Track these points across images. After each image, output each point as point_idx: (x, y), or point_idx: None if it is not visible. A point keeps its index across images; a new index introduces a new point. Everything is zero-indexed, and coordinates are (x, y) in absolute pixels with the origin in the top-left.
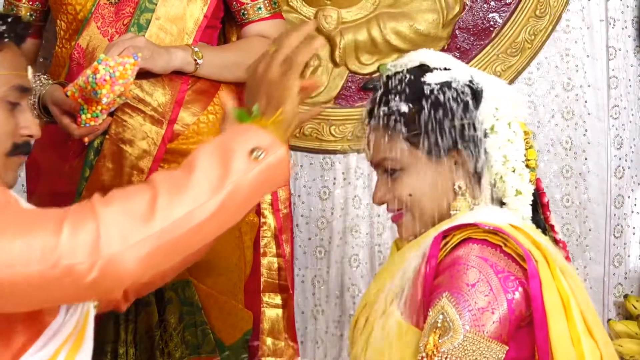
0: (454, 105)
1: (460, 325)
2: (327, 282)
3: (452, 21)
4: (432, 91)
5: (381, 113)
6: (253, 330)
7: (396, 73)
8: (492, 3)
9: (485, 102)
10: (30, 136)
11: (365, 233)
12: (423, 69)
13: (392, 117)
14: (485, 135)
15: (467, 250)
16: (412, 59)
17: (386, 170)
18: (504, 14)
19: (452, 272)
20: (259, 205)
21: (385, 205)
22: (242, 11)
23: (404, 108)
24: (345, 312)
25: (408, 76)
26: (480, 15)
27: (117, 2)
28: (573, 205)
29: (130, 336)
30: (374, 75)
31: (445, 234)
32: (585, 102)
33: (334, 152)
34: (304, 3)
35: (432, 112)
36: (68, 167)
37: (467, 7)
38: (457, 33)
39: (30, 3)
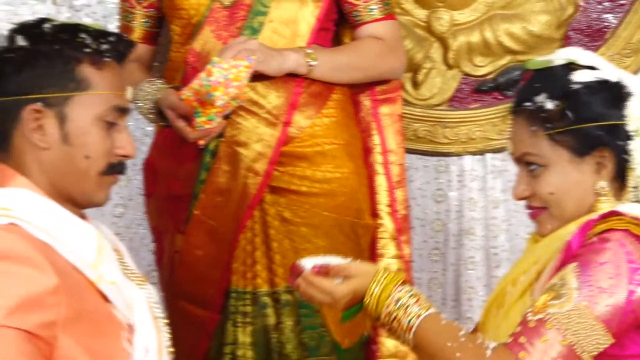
0: (600, 105)
1: (575, 295)
2: (443, 285)
3: (565, 22)
4: (579, 90)
5: (526, 108)
6: (371, 333)
7: (544, 69)
8: (606, 4)
9: (632, 104)
10: (126, 156)
11: (480, 235)
12: (571, 66)
13: (537, 113)
14: (630, 137)
15: (608, 234)
16: (560, 56)
17: (527, 165)
18: (618, 15)
19: (588, 248)
20: (375, 206)
21: (501, 209)
22: (355, 13)
23: (550, 105)
24: (462, 315)
25: (555, 73)
26: (594, 16)
27: (230, 6)
28: None
29: (248, 338)
30: (488, 77)
31: (588, 225)
32: None
33: (448, 154)
34: (416, 5)
35: (578, 110)
36: (184, 170)
37: (580, 8)
38: (571, 34)
39: (145, 10)
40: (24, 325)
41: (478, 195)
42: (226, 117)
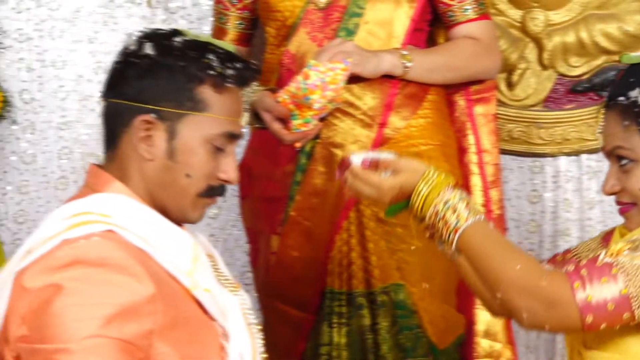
0: None
1: None
2: None
3: None
4: None
5: (619, 102)
6: (466, 334)
7: (638, 64)
8: None
9: None
10: (227, 181)
11: (575, 237)
12: None
13: (630, 108)
14: None
15: None
16: None
17: (618, 159)
18: None
19: None
20: None
21: (596, 210)
22: (449, 13)
23: None
24: None
25: None
26: None
27: (325, 8)
28: None
29: (343, 339)
30: (583, 78)
31: None
32: None
33: (543, 155)
34: (510, 5)
35: None
36: (280, 172)
37: None
38: None
39: (239, 11)
40: (121, 335)
41: (573, 196)
42: (322, 119)
